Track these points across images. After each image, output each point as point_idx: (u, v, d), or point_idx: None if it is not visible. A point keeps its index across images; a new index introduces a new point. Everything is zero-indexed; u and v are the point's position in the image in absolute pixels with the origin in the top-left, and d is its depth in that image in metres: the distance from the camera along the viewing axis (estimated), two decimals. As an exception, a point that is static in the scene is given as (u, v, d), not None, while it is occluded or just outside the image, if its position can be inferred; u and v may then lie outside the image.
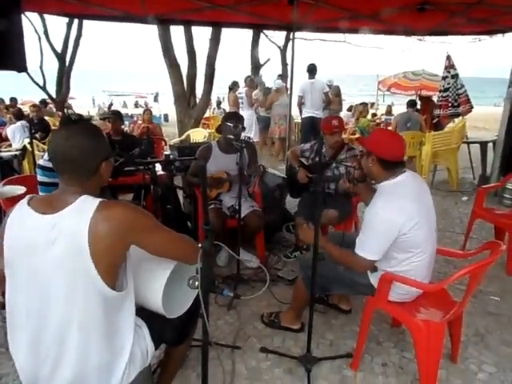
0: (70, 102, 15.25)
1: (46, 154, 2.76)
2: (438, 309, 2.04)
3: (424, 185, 2.07)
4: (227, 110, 8.40)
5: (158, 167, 3.14)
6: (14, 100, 10.38)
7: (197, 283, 1.35)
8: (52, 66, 11.74)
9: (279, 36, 13.11)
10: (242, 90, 7.98)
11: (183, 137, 7.09)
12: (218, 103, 13.71)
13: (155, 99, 20.01)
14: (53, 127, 6.65)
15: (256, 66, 12.28)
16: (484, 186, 3.89)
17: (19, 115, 6.50)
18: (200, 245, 1.33)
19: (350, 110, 10.93)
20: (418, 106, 7.90)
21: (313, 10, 4.05)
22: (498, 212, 3.70)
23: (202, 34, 8.57)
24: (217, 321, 2.56)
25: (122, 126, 4.48)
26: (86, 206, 1.20)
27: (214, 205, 3.18)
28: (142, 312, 1.46)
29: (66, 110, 11.40)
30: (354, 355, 2.18)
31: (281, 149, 7.47)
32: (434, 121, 7.15)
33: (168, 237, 1.37)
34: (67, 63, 11.49)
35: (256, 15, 4.23)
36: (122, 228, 1.21)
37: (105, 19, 4.20)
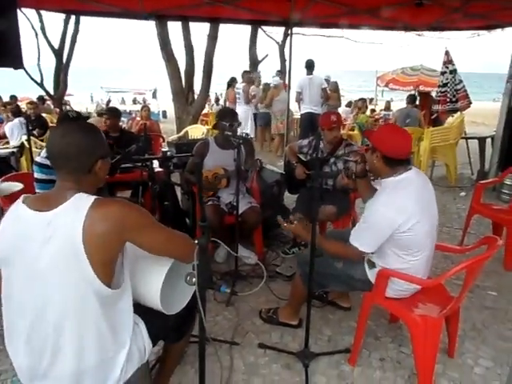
0: (68, 98, 15.20)
1: (44, 151, 2.75)
2: (435, 304, 2.05)
3: (428, 183, 2.06)
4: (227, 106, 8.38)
5: (156, 164, 3.14)
6: (14, 98, 10.34)
7: (194, 280, 1.35)
8: (49, 63, 11.67)
9: (278, 32, 13.06)
10: (240, 85, 7.96)
11: (181, 133, 7.08)
12: (217, 99, 13.67)
13: (153, 95, 19.96)
14: (50, 124, 6.63)
15: (254, 62, 12.23)
16: (482, 182, 3.90)
17: (17, 112, 6.48)
18: (196, 241, 1.33)
19: (348, 105, 10.92)
20: (418, 102, 7.89)
21: (310, 6, 4.03)
22: (496, 207, 3.71)
23: (200, 30, 8.54)
24: (215, 317, 2.57)
25: (120, 123, 4.47)
26: (81, 204, 1.21)
27: (212, 201, 3.18)
28: (140, 309, 1.46)
29: (64, 107, 11.37)
30: (352, 350, 2.20)
31: (280, 144, 7.47)
32: (433, 116, 7.15)
33: (164, 235, 1.37)
34: (65, 60, 11.43)
35: (254, 11, 4.21)
36: (116, 226, 1.20)
37: (102, 15, 4.18)
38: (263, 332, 2.44)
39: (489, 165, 5.56)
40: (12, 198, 2.39)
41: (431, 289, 2.10)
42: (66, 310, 1.21)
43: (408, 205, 1.87)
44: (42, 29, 11.04)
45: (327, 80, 8.30)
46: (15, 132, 5.86)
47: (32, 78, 10.14)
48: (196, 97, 8.33)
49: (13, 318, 1.29)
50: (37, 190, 2.68)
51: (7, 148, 5.33)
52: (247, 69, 10.09)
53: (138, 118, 7.29)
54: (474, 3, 3.71)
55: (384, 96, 17.61)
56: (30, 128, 4.60)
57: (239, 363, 2.18)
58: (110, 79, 41.32)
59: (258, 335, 2.41)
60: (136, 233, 1.27)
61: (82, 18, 10.73)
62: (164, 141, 5.83)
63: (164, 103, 16.14)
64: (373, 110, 11.12)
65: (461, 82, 6.02)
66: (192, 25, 7.92)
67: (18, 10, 2.63)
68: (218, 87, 14.89)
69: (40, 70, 10.81)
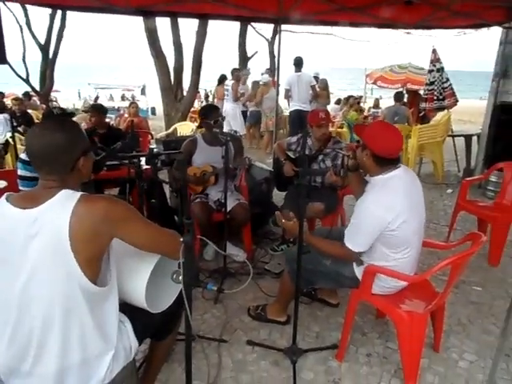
0: (55, 95, 14.96)
1: (28, 148, 2.70)
2: (420, 300, 2.08)
3: (416, 181, 2.07)
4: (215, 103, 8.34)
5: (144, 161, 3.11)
6: (0, 94, 10.14)
7: (180, 277, 1.34)
8: (35, 58, 11.48)
9: (267, 28, 13.05)
10: (229, 82, 7.93)
11: (170, 130, 7.02)
12: (206, 96, 13.61)
13: (142, 92, 19.73)
14: (36, 120, 6.53)
15: (244, 59, 12.20)
16: (468, 179, 3.95)
17: (1, 108, 6.37)
18: (182, 239, 1.32)
19: (337, 103, 10.95)
20: (406, 100, 7.96)
21: (299, 3, 4.02)
22: (481, 204, 3.77)
23: (189, 26, 8.48)
24: (203, 315, 2.57)
25: (108, 120, 4.42)
26: (67, 200, 1.20)
27: (200, 198, 3.16)
28: (126, 307, 1.45)
29: (50, 103, 11.19)
30: (339, 346, 2.21)
31: (269, 142, 7.46)
32: (421, 114, 7.22)
33: (151, 230, 1.36)
34: (51, 55, 11.25)
35: (242, 7, 4.19)
36: (103, 221, 1.20)
37: (85, 10, 4.09)
38: (251, 329, 2.45)
39: (475, 162, 5.64)
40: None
41: (417, 285, 2.12)
42: (52, 307, 1.20)
43: (397, 203, 1.88)
44: (28, 23, 10.85)
45: (316, 77, 8.32)
46: (0, 128, 5.76)
47: (17, 74, 9.97)
48: (185, 93, 8.27)
49: None
50: (20, 188, 2.64)
51: (-9, 145, 5.23)
52: (237, 66, 10.06)
53: (126, 115, 7.21)
54: (460, 2, 3.74)
55: (373, 93, 17.70)
56: (15, 124, 4.52)
57: (227, 360, 2.18)
58: (98, 75, 40.80)
59: (247, 332, 2.41)
60: (122, 228, 1.26)
61: (71, 14, 10.57)
62: (152, 138, 5.78)
63: (153, 100, 15.98)
64: (361, 110, 11.15)
65: (448, 80, 6.09)
66: (181, 21, 7.87)
67: (0, 4, 2.57)
68: (208, 84, 14.82)
69: (25, 66, 10.61)
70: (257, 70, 10.11)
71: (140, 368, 1.90)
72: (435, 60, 6.08)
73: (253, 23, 10.85)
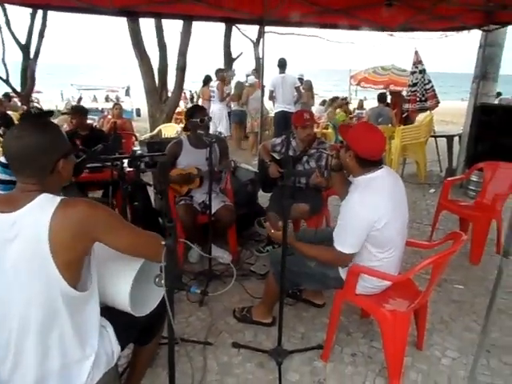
0: (37, 96, 14.69)
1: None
2: (403, 298, 2.10)
3: (399, 181, 2.10)
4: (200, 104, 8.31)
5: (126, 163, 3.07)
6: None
7: (163, 281, 1.33)
8: (16, 58, 11.24)
9: (252, 30, 13.05)
10: (214, 83, 7.92)
11: (154, 132, 6.97)
12: (192, 97, 13.54)
13: (127, 93, 19.54)
14: (16, 122, 6.39)
15: (229, 60, 12.18)
16: (449, 179, 4.02)
17: (-20, 110, 6.21)
18: (164, 242, 1.31)
19: (322, 104, 11.03)
20: (389, 101, 8.07)
21: (283, 4, 4.04)
22: (463, 203, 3.84)
23: (173, 26, 8.43)
24: (188, 317, 2.55)
25: (91, 121, 4.35)
26: (46, 204, 1.19)
27: (185, 201, 3.14)
28: (107, 311, 1.43)
29: (31, 104, 10.97)
30: (325, 346, 2.22)
31: (254, 143, 7.47)
32: (404, 115, 7.33)
33: (132, 234, 1.35)
34: (32, 55, 11.03)
35: (227, 9, 4.18)
36: (82, 225, 1.19)
37: (67, 10, 4.02)
38: (237, 331, 2.44)
39: (457, 162, 5.75)
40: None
41: (400, 284, 2.15)
42: (31, 311, 1.18)
43: (380, 203, 1.90)
44: (7, 23, 10.62)
45: (300, 79, 8.36)
46: (-22, 131, 5.61)
47: (-4, 75, 9.76)
48: (170, 95, 8.21)
49: None
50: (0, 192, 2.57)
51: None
52: (222, 66, 10.04)
53: (110, 117, 7.13)
54: (439, 6, 3.81)
55: (357, 95, 17.90)
56: (-5, 126, 4.42)
57: (213, 363, 2.17)
58: (81, 76, 40.25)
59: (232, 334, 2.41)
60: (102, 232, 1.25)
61: (53, 14, 10.39)
62: (136, 139, 5.73)
63: (138, 101, 15.82)
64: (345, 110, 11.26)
65: (430, 81, 6.20)
66: (165, 21, 7.80)
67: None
68: (193, 85, 14.75)
69: (5, 66, 10.38)
70: (242, 71, 10.10)
71: (123, 374, 1.88)
72: (417, 62, 6.18)
73: (238, 24, 10.84)
